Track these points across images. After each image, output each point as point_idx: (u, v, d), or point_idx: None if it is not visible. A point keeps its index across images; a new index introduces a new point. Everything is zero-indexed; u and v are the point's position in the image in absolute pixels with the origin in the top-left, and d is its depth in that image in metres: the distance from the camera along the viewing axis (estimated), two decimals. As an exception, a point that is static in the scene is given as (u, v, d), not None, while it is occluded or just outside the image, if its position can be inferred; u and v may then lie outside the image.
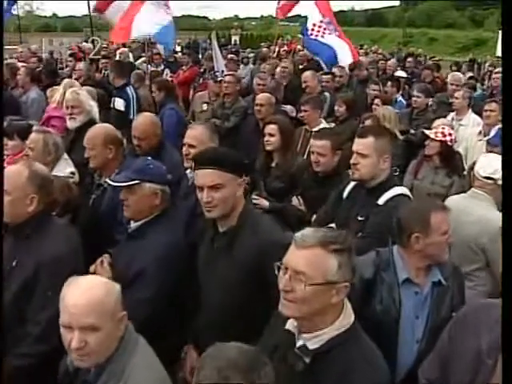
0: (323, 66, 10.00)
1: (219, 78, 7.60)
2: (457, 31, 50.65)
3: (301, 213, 4.29)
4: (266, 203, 4.57)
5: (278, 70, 9.54)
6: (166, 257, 2.92)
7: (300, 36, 10.77)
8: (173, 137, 6.21)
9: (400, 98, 8.31)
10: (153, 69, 9.63)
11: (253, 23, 57.09)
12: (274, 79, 8.67)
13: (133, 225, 3.13)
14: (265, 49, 16.18)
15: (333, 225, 3.52)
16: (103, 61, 10.29)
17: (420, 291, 2.68)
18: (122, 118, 6.70)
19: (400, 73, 9.89)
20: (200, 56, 18.01)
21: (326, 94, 7.51)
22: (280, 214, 4.44)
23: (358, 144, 3.41)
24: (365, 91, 7.95)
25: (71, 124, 5.05)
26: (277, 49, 19.62)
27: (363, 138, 3.40)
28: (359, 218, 3.38)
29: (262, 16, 57.01)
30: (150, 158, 3.30)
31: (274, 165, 4.71)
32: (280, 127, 4.62)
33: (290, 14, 10.66)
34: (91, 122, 4.92)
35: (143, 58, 11.77)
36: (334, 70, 8.77)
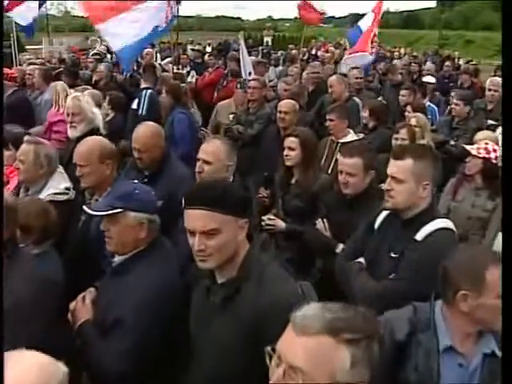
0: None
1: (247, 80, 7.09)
2: (495, 33, 48.96)
3: (325, 239, 3.69)
4: (281, 224, 4.02)
5: (305, 73, 8.95)
6: (150, 301, 2.41)
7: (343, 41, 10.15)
8: (186, 143, 5.77)
9: (429, 103, 7.65)
10: (176, 71, 9.11)
11: (286, 24, 56.30)
12: (299, 84, 8.07)
13: (116, 259, 2.62)
14: (294, 51, 15.47)
15: (362, 259, 2.96)
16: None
17: (465, 363, 2.08)
18: (135, 117, 6.30)
19: (428, 78, 9.18)
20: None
21: (356, 99, 6.88)
22: (298, 239, 3.90)
23: (393, 167, 2.81)
24: (398, 97, 7.31)
25: (72, 133, 4.57)
26: (312, 51, 19.10)
27: (399, 159, 2.79)
28: (392, 255, 2.79)
29: (295, 17, 56.17)
30: (135, 181, 2.74)
31: (293, 181, 4.14)
32: (301, 140, 4.06)
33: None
34: (94, 131, 4.46)
35: (169, 59, 11.32)
36: (354, 71, 8.14)
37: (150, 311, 2.40)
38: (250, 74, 8.46)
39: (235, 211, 2.07)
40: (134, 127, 6.41)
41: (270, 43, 26.75)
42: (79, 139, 4.34)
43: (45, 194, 3.58)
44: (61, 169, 3.78)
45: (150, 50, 12.47)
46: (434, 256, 2.51)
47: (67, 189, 3.68)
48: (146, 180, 3.91)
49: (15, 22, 12.93)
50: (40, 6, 12.94)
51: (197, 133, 6.28)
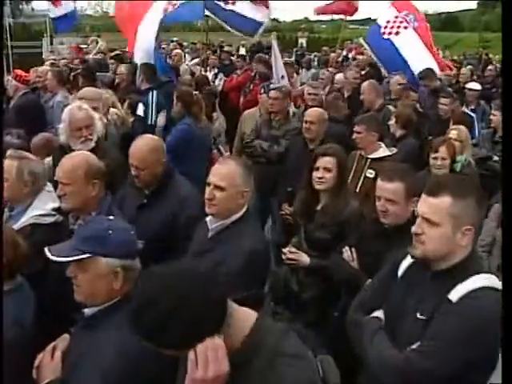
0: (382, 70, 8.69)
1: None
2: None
3: (352, 271, 3.14)
4: (305, 260, 3.50)
5: (338, 77, 8.35)
6: (119, 370, 1.93)
7: (361, 41, 9.23)
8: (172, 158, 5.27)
9: (466, 111, 6.99)
10: (199, 73, 8.65)
11: (323, 26, 55.34)
12: (331, 89, 7.50)
13: (87, 310, 2.13)
14: (333, 53, 14.65)
15: (380, 314, 2.38)
16: (151, 63, 9.41)
17: None
18: (142, 124, 5.83)
19: (473, 85, 8.24)
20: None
21: (391, 108, 6.26)
22: (323, 274, 3.38)
23: (426, 205, 2.18)
24: (437, 105, 6.65)
25: (86, 147, 3.93)
26: (344, 53, 18.34)
27: (434, 196, 2.16)
28: (419, 316, 2.16)
29: (332, 19, 55.26)
30: (111, 217, 2.24)
31: (319, 208, 3.58)
32: (338, 161, 3.52)
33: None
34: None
35: (196, 60, 10.87)
36: (397, 77, 7.49)
37: (118, 380, 1.92)
38: (282, 77, 7.90)
39: None
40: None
41: (304, 45, 26.03)
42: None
43: (29, 216, 3.12)
44: (49, 187, 3.31)
45: (179, 50, 12.09)
46: (472, 326, 1.98)
47: (55, 210, 3.21)
48: (145, 201, 3.45)
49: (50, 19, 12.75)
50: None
51: (201, 150, 5.48)
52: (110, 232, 2.03)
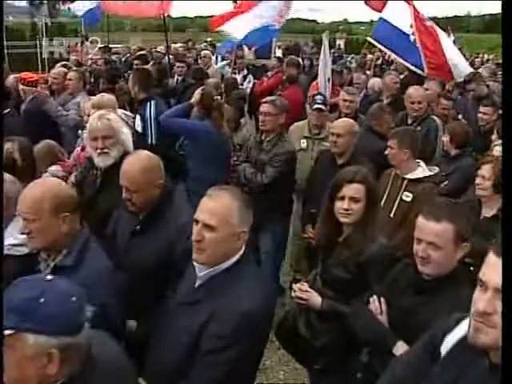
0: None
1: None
2: None
3: (379, 328, 2.48)
4: (317, 300, 2.89)
5: (372, 82, 7.67)
6: None
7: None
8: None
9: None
10: (228, 76, 8.10)
11: (362, 27, 54.06)
12: (374, 98, 6.82)
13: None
14: (370, 55, 13.78)
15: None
16: (178, 65, 8.91)
17: None
18: (141, 142, 5.29)
19: None
20: (300, 61, 16.26)
21: (436, 119, 5.54)
22: (339, 321, 2.76)
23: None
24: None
25: (103, 161, 3.53)
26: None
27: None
28: None
29: (371, 20, 54.10)
30: (49, 277, 1.65)
31: (341, 240, 2.97)
32: (368, 189, 2.87)
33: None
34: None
35: (224, 62, 10.33)
36: (430, 83, 6.76)
37: None
38: (329, 80, 7.24)
39: None
40: None
41: (342, 46, 25.23)
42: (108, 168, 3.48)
43: (-1, 245, 2.62)
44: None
45: (208, 51, 11.56)
46: None
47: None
48: (138, 227, 2.91)
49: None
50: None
51: (217, 154, 4.95)
52: (42, 301, 1.47)
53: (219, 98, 5.53)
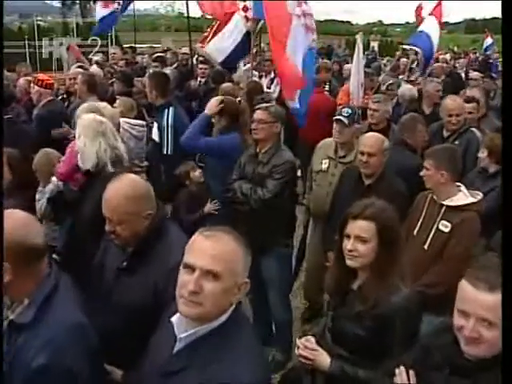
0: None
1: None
2: None
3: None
4: (325, 361, 2.36)
5: (402, 89, 7.08)
6: None
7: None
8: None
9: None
10: (251, 79, 7.61)
11: (397, 29, 52.98)
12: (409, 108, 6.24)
13: None
14: (403, 59, 12.98)
15: None
16: (201, 66, 8.48)
17: None
18: (155, 151, 4.89)
19: None
20: (330, 64, 15.66)
21: (475, 131, 4.92)
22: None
23: None
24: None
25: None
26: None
27: None
28: None
29: (407, 22, 52.79)
30: None
31: (355, 287, 2.44)
32: (380, 228, 2.33)
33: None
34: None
35: (249, 65, 9.81)
36: (473, 90, 6.13)
37: None
38: (362, 85, 6.70)
39: None
40: (159, 173, 5.02)
41: (375, 49, 24.54)
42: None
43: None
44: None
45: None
46: None
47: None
48: (124, 264, 2.45)
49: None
50: (127, 5, 12.04)
51: None
52: None
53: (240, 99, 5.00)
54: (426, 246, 3.34)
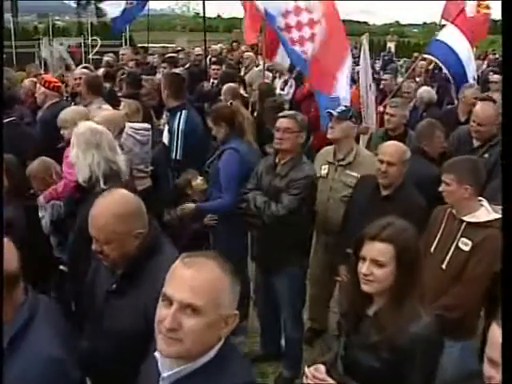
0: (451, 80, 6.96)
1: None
2: None
3: None
4: None
5: (421, 91, 6.79)
6: None
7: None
8: (231, 190, 4.11)
9: None
10: (262, 81, 7.38)
11: (414, 30, 52.29)
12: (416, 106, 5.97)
13: None
14: (422, 61, 12.48)
15: None
16: (214, 67, 8.28)
17: None
18: (163, 155, 4.71)
19: None
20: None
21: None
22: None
23: None
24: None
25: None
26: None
27: None
28: None
29: (424, 23, 52.15)
30: None
31: (371, 313, 2.21)
32: (399, 250, 2.10)
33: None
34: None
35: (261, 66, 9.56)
36: (495, 94, 5.81)
37: None
38: (370, 86, 6.44)
39: None
40: (167, 179, 4.83)
41: (392, 50, 24.15)
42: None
43: None
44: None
45: (251, 53, 10.85)
46: None
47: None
48: (114, 286, 2.24)
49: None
50: (143, 5, 11.89)
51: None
52: None
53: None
54: (443, 266, 3.08)
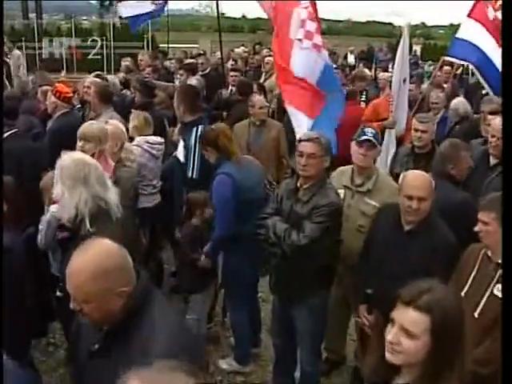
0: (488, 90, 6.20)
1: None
2: None
3: None
4: None
5: (456, 102, 6.35)
6: None
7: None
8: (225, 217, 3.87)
9: None
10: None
11: (440, 31, 51.07)
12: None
13: None
14: (446, 67, 11.91)
15: None
16: (232, 74, 7.96)
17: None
18: (179, 172, 4.43)
19: None
20: (373, 70, 14.87)
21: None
22: None
23: None
24: None
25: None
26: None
27: None
28: None
29: (451, 24, 51.01)
30: None
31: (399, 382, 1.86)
32: (435, 321, 1.74)
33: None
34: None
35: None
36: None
37: None
38: (404, 81, 5.90)
39: None
40: (180, 197, 4.53)
41: (418, 53, 23.47)
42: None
43: None
44: None
45: (271, 58, 10.50)
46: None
47: None
48: (96, 346, 1.94)
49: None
50: (163, 6, 11.66)
51: (250, 202, 4.02)
52: None
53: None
54: (476, 314, 2.72)
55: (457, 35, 6.35)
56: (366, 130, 3.75)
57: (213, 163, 4.07)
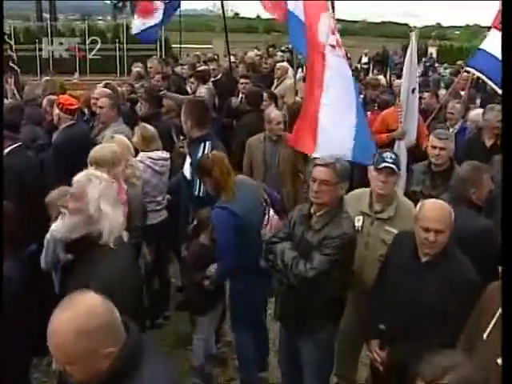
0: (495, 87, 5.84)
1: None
2: None
3: None
4: None
5: (475, 113, 6.12)
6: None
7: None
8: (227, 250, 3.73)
9: None
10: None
11: (456, 32, 50.40)
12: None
13: None
14: (465, 73, 11.47)
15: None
16: (242, 81, 7.75)
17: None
18: (185, 191, 4.27)
19: None
20: (388, 74, 14.57)
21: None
22: None
23: None
24: None
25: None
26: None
27: None
28: None
29: (467, 25, 50.38)
30: None
31: None
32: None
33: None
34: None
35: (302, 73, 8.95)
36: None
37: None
38: (413, 91, 5.68)
39: None
40: (187, 214, 4.39)
41: (434, 55, 23.07)
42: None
43: None
44: None
45: (284, 64, 10.25)
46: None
47: None
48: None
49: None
50: (176, 7, 11.45)
51: (250, 233, 3.92)
52: None
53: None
54: (500, 360, 2.49)
55: (481, 46, 6.09)
56: (385, 155, 3.51)
57: (211, 192, 3.89)
